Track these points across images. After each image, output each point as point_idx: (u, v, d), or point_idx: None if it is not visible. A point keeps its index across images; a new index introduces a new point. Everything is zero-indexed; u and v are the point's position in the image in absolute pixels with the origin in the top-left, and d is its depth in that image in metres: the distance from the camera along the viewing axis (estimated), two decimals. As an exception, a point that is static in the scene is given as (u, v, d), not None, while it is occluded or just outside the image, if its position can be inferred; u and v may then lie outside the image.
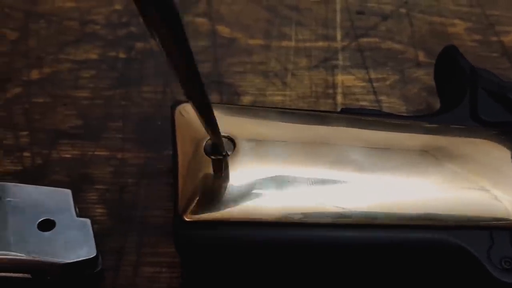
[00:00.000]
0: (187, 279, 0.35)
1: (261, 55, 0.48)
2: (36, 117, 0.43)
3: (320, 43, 0.49)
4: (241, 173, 0.34)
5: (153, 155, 0.42)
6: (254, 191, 0.33)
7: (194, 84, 0.29)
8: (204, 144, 0.35)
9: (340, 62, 0.47)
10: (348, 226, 0.33)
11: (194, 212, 0.33)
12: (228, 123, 0.34)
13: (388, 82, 0.46)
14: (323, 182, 0.34)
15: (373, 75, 0.46)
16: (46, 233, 0.35)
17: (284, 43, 0.49)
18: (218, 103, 0.40)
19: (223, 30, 0.50)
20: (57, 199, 0.36)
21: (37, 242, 0.34)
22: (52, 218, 0.35)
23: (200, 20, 0.50)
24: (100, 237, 0.36)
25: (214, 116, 0.31)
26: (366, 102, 0.45)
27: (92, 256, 0.34)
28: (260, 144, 0.35)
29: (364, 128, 0.36)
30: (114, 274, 0.36)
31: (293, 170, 0.34)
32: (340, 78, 0.46)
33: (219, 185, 0.34)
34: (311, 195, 0.33)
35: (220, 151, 0.34)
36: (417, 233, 0.33)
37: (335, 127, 0.36)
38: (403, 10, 0.51)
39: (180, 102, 0.38)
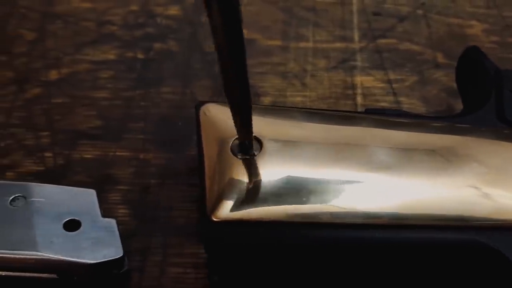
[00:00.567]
0: (213, 279, 0.35)
1: (280, 56, 0.48)
2: (56, 118, 0.43)
3: (338, 44, 0.49)
4: (268, 174, 0.34)
5: (174, 155, 0.41)
6: (282, 191, 0.33)
7: (241, 82, 0.29)
8: (230, 144, 0.34)
9: (359, 63, 0.47)
10: (377, 227, 0.33)
11: (222, 212, 0.33)
12: (254, 123, 0.34)
13: (407, 83, 0.46)
14: (351, 182, 0.34)
15: (392, 76, 0.46)
16: (72, 233, 0.35)
17: (302, 44, 0.49)
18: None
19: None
20: (81, 199, 0.36)
21: (64, 242, 0.34)
22: (77, 218, 0.35)
23: (217, 21, 0.50)
24: (124, 238, 0.36)
25: (251, 116, 0.31)
26: (386, 103, 0.45)
27: (119, 257, 0.34)
28: (286, 144, 0.35)
29: (391, 129, 0.36)
30: (139, 274, 0.36)
31: (321, 171, 0.34)
32: (359, 79, 0.46)
33: (247, 185, 0.33)
34: (340, 195, 0.33)
35: (247, 152, 0.34)
36: (446, 233, 0.33)
37: (361, 128, 0.36)
38: (419, 12, 0.51)
39: (203, 103, 0.38)
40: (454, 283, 0.34)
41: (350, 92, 0.45)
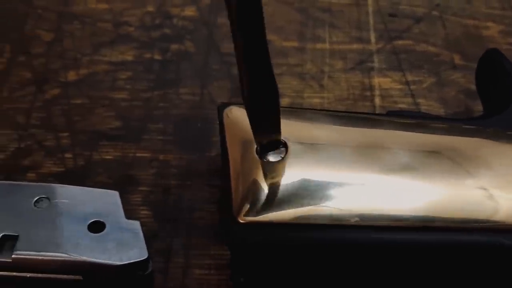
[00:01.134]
0: (238, 280, 0.35)
1: (297, 57, 0.48)
2: (75, 118, 0.43)
3: (355, 46, 0.49)
4: (294, 176, 0.34)
5: (194, 156, 0.42)
6: (308, 193, 0.33)
7: (268, 82, 0.29)
8: (255, 146, 0.34)
9: (376, 65, 0.47)
10: (404, 229, 0.33)
11: (248, 214, 0.33)
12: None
13: (425, 85, 0.46)
14: (376, 184, 0.34)
15: (409, 78, 0.46)
16: (97, 235, 0.35)
17: (319, 46, 0.49)
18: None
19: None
20: (104, 200, 0.36)
21: (89, 244, 0.34)
22: (101, 220, 0.35)
23: (233, 22, 0.50)
24: (146, 239, 0.36)
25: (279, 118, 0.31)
26: (404, 104, 0.45)
27: (144, 258, 0.34)
28: (311, 147, 0.35)
29: (414, 132, 0.36)
30: (163, 276, 0.36)
31: (346, 173, 0.34)
32: (376, 80, 0.46)
33: (272, 187, 0.34)
34: (366, 197, 0.33)
35: (273, 154, 0.34)
36: (472, 236, 0.33)
37: (384, 130, 0.36)
38: (435, 13, 0.51)
39: (226, 105, 0.38)
40: (471, 283, 0.34)
41: (368, 93, 0.45)
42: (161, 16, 0.51)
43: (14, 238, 0.34)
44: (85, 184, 0.39)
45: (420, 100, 0.45)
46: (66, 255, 0.34)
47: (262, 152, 0.34)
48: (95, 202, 0.36)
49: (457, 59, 0.47)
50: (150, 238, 0.37)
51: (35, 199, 0.36)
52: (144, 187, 0.40)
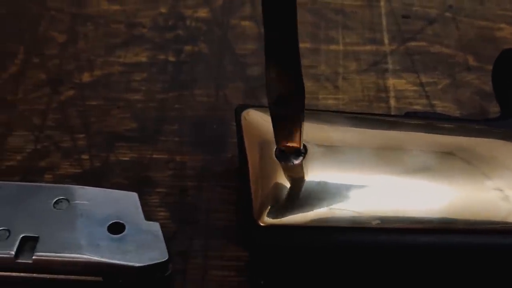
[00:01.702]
0: (259, 283, 0.35)
1: (310, 59, 0.48)
2: (91, 120, 0.43)
3: (368, 47, 0.49)
4: (313, 178, 0.34)
5: (211, 158, 0.42)
6: (328, 195, 0.33)
7: (297, 84, 0.29)
8: (275, 148, 0.34)
9: (390, 66, 0.47)
10: (424, 231, 0.33)
11: (269, 216, 0.33)
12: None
13: (439, 86, 0.46)
14: (396, 187, 0.34)
15: (424, 79, 0.46)
16: (117, 236, 0.35)
17: (332, 47, 0.49)
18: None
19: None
20: (123, 202, 0.36)
21: (109, 245, 0.34)
22: (121, 221, 0.35)
23: (246, 23, 0.50)
24: (165, 240, 0.36)
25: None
26: (419, 106, 0.45)
27: (164, 260, 0.34)
28: (330, 149, 0.35)
29: (434, 133, 0.36)
30: (182, 277, 0.36)
31: (365, 175, 0.34)
32: (391, 81, 0.46)
33: (292, 190, 0.34)
34: (386, 200, 0.33)
35: (292, 156, 0.34)
36: (492, 238, 0.33)
37: (404, 132, 0.36)
38: (448, 14, 0.51)
39: (244, 106, 0.38)
40: (486, 284, 0.34)
41: (383, 95, 0.45)
42: (174, 17, 0.50)
43: (35, 240, 0.34)
44: (102, 186, 0.39)
45: (435, 102, 0.45)
46: (86, 256, 0.34)
47: (282, 155, 0.34)
48: (114, 203, 0.36)
49: (471, 61, 0.47)
50: (168, 239, 0.37)
51: (54, 200, 0.36)
52: (161, 189, 0.40)
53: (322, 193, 0.33)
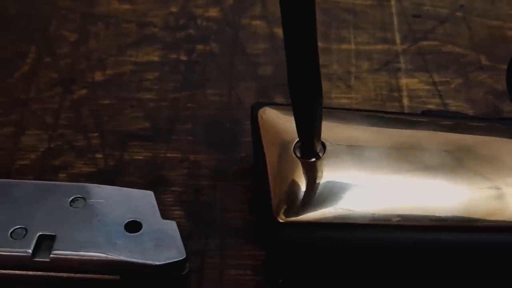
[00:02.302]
0: (277, 282, 0.35)
1: (322, 58, 0.47)
2: (104, 119, 0.43)
3: (380, 46, 0.49)
4: (332, 176, 0.34)
5: (224, 157, 0.41)
6: (347, 193, 0.33)
7: (315, 83, 0.29)
8: (293, 146, 0.34)
9: (402, 65, 0.47)
10: (445, 229, 0.33)
11: (288, 214, 0.33)
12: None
13: (452, 86, 0.46)
14: (415, 184, 0.34)
15: (436, 79, 0.46)
16: (134, 235, 0.35)
17: (344, 46, 0.49)
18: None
19: (282, 33, 0.49)
20: (140, 200, 0.36)
21: (127, 243, 0.34)
22: (138, 220, 0.35)
23: (257, 22, 0.50)
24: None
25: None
26: (432, 105, 0.45)
27: (182, 258, 0.34)
28: (350, 147, 0.35)
29: (451, 131, 0.36)
30: (198, 277, 0.36)
31: (384, 173, 0.34)
32: (404, 81, 0.46)
33: (311, 187, 0.33)
34: (405, 197, 0.33)
35: (311, 154, 0.34)
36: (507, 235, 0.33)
37: (422, 131, 0.36)
38: (459, 14, 0.51)
39: (260, 105, 0.38)
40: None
41: (396, 94, 0.45)
42: (185, 16, 0.50)
43: (51, 238, 0.34)
44: (117, 184, 0.38)
45: (448, 101, 0.45)
46: (104, 255, 0.33)
47: (300, 152, 0.34)
48: (130, 202, 0.36)
49: (484, 60, 0.47)
50: (184, 238, 0.36)
51: (71, 199, 0.36)
52: (176, 188, 0.40)
53: (341, 191, 0.33)
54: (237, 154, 0.41)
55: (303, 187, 0.33)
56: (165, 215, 0.37)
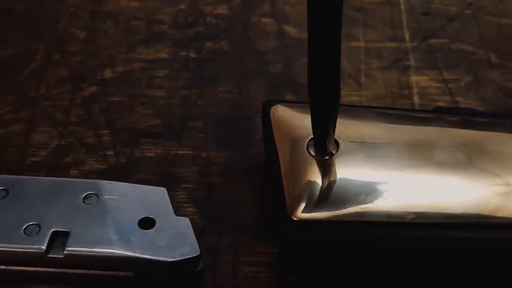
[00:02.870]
0: (290, 279, 0.34)
1: (332, 56, 0.48)
2: (115, 116, 0.43)
3: (389, 44, 0.49)
4: (346, 173, 0.34)
5: (236, 154, 0.41)
6: (360, 191, 0.33)
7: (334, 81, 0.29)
8: (306, 144, 0.34)
9: (412, 63, 0.47)
10: (460, 226, 0.32)
11: (302, 211, 0.33)
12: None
13: (462, 83, 0.46)
14: (429, 182, 0.34)
15: (446, 76, 0.46)
16: (148, 231, 0.34)
17: (354, 44, 0.49)
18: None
19: (291, 31, 0.50)
20: (153, 197, 0.36)
21: (140, 240, 0.34)
22: (151, 216, 0.35)
23: (266, 20, 0.50)
24: (194, 236, 0.35)
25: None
26: (443, 102, 0.45)
27: (196, 255, 0.34)
28: (363, 144, 0.35)
29: (464, 128, 0.36)
30: (212, 273, 0.36)
31: (398, 171, 0.34)
32: (414, 78, 0.46)
33: (325, 184, 0.33)
34: (420, 195, 0.33)
35: (324, 152, 0.34)
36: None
37: (435, 127, 0.36)
38: (468, 12, 0.51)
39: (272, 102, 0.38)
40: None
41: (406, 91, 0.45)
42: (193, 14, 0.50)
43: (65, 235, 0.34)
44: (128, 181, 0.38)
45: (458, 98, 0.45)
46: (118, 251, 0.33)
47: (314, 150, 0.34)
48: (143, 198, 0.36)
49: (493, 58, 0.47)
50: (196, 235, 0.36)
51: (84, 195, 0.35)
52: (188, 184, 0.40)
53: (355, 188, 0.33)
54: (248, 151, 0.41)
55: (316, 185, 0.33)
56: (177, 212, 0.37)
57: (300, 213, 0.33)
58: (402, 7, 0.51)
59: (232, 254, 0.36)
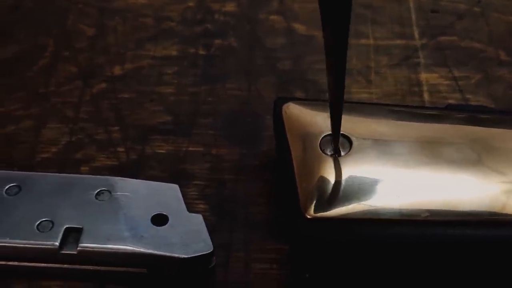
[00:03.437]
0: (304, 277, 0.34)
1: (341, 53, 0.48)
2: (125, 113, 0.43)
3: (398, 41, 0.49)
4: (359, 171, 0.34)
5: (246, 151, 0.41)
6: (374, 188, 0.33)
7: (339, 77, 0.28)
8: (319, 142, 0.34)
9: (422, 60, 0.47)
10: (474, 224, 0.32)
11: (316, 209, 0.33)
12: (343, 120, 0.34)
13: (472, 81, 0.46)
14: (442, 179, 0.34)
15: (456, 74, 0.46)
16: (161, 228, 0.34)
17: (363, 41, 0.49)
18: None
19: (299, 28, 0.50)
20: (165, 194, 0.36)
21: (153, 236, 0.34)
22: (164, 213, 0.35)
23: (275, 17, 0.50)
24: (207, 233, 0.35)
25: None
26: (453, 100, 0.45)
27: (209, 251, 0.34)
28: (375, 142, 0.35)
29: (477, 125, 0.36)
30: (224, 270, 0.36)
31: (411, 168, 0.34)
32: (423, 76, 0.46)
33: (338, 182, 0.33)
34: (433, 193, 0.33)
35: (337, 149, 0.34)
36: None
37: (448, 125, 0.36)
38: (477, 9, 0.51)
39: (283, 99, 0.38)
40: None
41: (416, 89, 0.45)
42: (202, 11, 0.50)
43: (78, 231, 0.34)
44: (139, 178, 0.38)
45: (468, 96, 0.45)
46: (131, 247, 0.33)
47: (327, 148, 0.34)
48: (155, 195, 0.36)
49: (503, 56, 0.47)
50: (209, 231, 0.36)
51: (96, 191, 0.35)
52: (199, 181, 0.39)
53: (368, 186, 0.33)
54: (258, 148, 0.41)
55: (330, 183, 0.33)
56: (189, 208, 0.37)
57: (314, 212, 0.33)
58: (411, 4, 0.51)
59: (244, 251, 0.36)
